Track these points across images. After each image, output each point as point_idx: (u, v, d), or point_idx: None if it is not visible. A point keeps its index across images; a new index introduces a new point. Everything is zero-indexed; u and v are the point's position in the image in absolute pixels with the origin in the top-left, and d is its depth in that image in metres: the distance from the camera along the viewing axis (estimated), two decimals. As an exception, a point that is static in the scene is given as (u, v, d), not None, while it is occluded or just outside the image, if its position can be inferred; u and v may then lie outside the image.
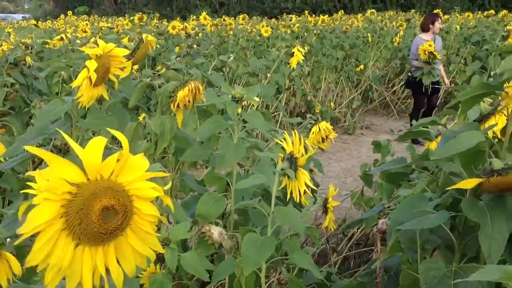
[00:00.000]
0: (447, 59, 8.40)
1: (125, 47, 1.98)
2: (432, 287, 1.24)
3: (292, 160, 1.43)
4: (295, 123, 3.09)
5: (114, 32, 6.61)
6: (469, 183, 1.19)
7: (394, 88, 8.91)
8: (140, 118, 3.15)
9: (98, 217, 0.74)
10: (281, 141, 1.45)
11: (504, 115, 1.77)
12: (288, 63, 5.95)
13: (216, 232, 1.57)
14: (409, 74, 7.09)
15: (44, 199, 0.71)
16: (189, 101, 1.61)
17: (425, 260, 1.31)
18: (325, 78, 8.07)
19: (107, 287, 0.78)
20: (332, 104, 7.70)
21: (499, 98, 1.56)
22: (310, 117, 3.24)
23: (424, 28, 7.03)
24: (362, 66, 8.56)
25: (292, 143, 1.44)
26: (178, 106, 1.61)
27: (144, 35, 2.16)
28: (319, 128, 3.13)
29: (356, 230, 3.38)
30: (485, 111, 1.83)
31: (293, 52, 3.80)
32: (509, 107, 1.51)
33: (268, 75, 6.36)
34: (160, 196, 0.81)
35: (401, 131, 6.75)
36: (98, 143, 0.74)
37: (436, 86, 6.67)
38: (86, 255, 0.77)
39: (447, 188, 1.27)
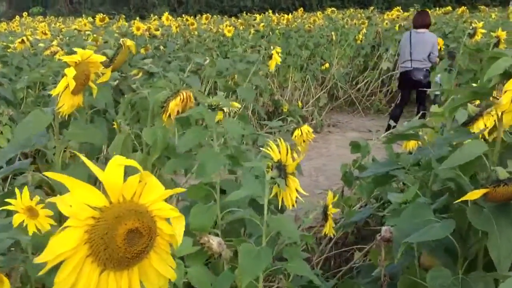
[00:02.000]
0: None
1: (104, 53, 1.92)
2: (441, 296, 1.24)
3: (281, 167, 1.41)
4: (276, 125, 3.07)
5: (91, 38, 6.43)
6: (475, 194, 1.19)
7: (358, 86, 9.02)
8: (115, 125, 3.07)
9: (123, 241, 0.70)
10: (268, 150, 1.43)
11: (492, 116, 1.80)
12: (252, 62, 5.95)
13: (215, 242, 1.54)
14: (426, 70, 6.91)
15: (67, 225, 0.67)
16: (179, 110, 1.57)
17: (432, 269, 1.32)
18: (291, 77, 8.09)
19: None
20: (300, 103, 7.73)
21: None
22: (291, 120, 3.24)
23: (429, 24, 7.05)
24: (327, 65, 8.62)
25: (279, 151, 1.43)
26: (169, 115, 1.57)
27: (121, 40, 2.09)
28: (301, 132, 3.13)
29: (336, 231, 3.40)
30: (473, 112, 1.86)
31: (272, 55, 3.78)
32: (498, 112, 1.52)
33: (236, 76, 6.34)
34: (175, 217, 0.78)
35: (379, 131, 6.88)
36: (119, 163, 0.70)
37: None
38: (111, 281, 0.73)
39: (456, 201, 1.27)
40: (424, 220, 1.32)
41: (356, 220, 2.24)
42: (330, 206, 2.07)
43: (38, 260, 0.66)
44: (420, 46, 6.83)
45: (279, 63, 3.91)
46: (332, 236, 2.19)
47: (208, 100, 1.64)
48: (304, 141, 2.95)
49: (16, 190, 1.31)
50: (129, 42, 2.15)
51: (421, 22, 6.97)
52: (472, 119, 1.74)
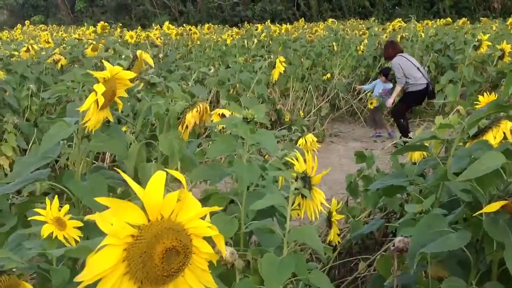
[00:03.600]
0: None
1: (119, 64, 1.94)
2: (456, 306, 1.25)
3: (306, 179, 1.42)
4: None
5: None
6: (493, 207, 1.20)
7: (360, 96, 9.04)
8: (124, 128, 3.09)
9: (161, 260, 0.71)
10: (293, 160, 1.44)
11: (501, 128, 1.82)
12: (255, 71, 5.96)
13: (228, 252, 1.54)
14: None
15: (107, 244, 0.68)
16: (195, 122, 1.58)
17: (446, 279, 1.33)
18: (292, 87, 8.12)
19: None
20: (301, 112, 7.75)
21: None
22: (296, 129, 3.26)
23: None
24: (328, 75, 8.66)
25: (305, 161, 1.44)
26: (186, 127, 1.59)
27: (138, 52, 2.11)
28: (305, 140, 3.15)
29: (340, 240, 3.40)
30: (482, 125, 1.88)
31: (275, 64, 3.80)
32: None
33: (237, 85, 6.37)
34: (214, 236, 0.79)
35: (384, 141, 6.92)
36: (159, 181, 0.71)
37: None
38: (147, 299, 0.74)
39: (476, 214, 1.28)
40: (439, 231, 1.34)
41: (366, 232, 2.25)
42: (335, 213, 2.07)
43: (79, 278, 0.67)
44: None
45: (282, 72, 3.94)
46: (336, 243, 2.19)
47: (243, 112, 1.65)
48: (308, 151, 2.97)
49: (47, 200, 1.32)
50: (144, 55, 2.17)
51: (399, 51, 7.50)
52: (481, 131, 1.76)
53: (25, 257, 1.28)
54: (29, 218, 1.40)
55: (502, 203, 1.20)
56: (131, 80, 1.98)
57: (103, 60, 1.57)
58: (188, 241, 0.74)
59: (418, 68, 7.09)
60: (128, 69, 1.99)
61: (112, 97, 1.56)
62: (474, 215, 1.27)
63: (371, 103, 7.80)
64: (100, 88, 1.46)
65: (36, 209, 1.38)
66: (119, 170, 0.76)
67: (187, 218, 0.75)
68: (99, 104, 1.48)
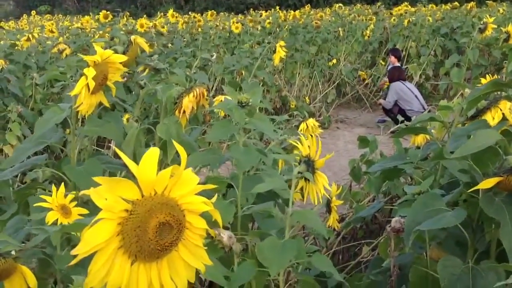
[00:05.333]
0: (417, 51, 8.56)
1: (114, 50, 1.95)
2: (451, 284, 1.27)
3: (309, 163, 1.44)
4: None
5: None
6: (488, 183, 1.21)
7: (366, 82, 9.01)
8: (125, 118, 3.10)
9: (155, 234, 0.73)
10: (297, 143, 1.45)
11: (500, 109, 1.82)
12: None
13: (225, 236, 1.56)
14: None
15: (102, 218, 0.70)
16: (193, 107, 1.60)
17: (442, 258, 1.34)
18: (298, 73, 8.10)
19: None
20: (307, 98, 7.74)
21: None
22: (297, 115, 3.26)
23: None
24: (334, 61, 8.63)
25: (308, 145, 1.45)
26: (183, 112, 1.60)
27: (132, 37, 2.12)
28: (307, 125, 3.15)
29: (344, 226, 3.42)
30: (481, 106, 1.88)
31: (275, 48, 3.80)
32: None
33: (243, 72, 6.36)
34: (209, 210, 0.81)
35: (387, 126, 6.97)
36: (152, 157, 0.73)
37: None
38: (142, 272, 0.76)
39: (470, 190, 1.29)
40: (435, 209, 1.35)
41: (365, 215, 2.26)
42: (334, 198, 2.08)
43: (74, 252, 0.69)
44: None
45: (283, 57, 3.93)
46: (336, 228, 2.21)
47: (238, 96, 1.66)
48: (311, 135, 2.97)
49: (53, 187, 1.34)
50: (139, 39, 2.17)
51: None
52: (479, 112, 1.76)
53: (31, 243, 1.30)
54: (34, 205, 1.42)
55: (497, 179, 1.21)
56: (126, 64, 2.00)
57: (93, 44, 1.58)
58: (181, 216, 0.76)
59: (416, 96, 7.20)
60: (123, 54, 2.00)
61: (104, 81, 1.58)
62: (469, 191, 1.28)
63: (387, 85, 7.78)
64: (90, 72, 1.47)
65: (42, 196, 1.41)
66: (116, 148, 0.78)
67: (180, 194, 0.77)
68: (90, 88, 1.49)
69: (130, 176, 0.74)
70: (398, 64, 7.81)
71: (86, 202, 1.44)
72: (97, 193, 0.70)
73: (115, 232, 0.72)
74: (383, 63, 8.97)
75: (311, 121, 3.12)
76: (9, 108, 4.16)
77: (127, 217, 0.72)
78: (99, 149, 3.57)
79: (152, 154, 0.73)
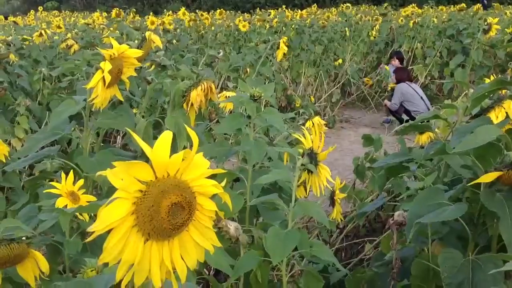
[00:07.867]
0: (423, 53, 8.58)
1: (128, 45, 1.99)
2: (452, 276, 1.30)
3: (312, 155, 1.47)
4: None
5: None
6: (489, 177, 1.24)
7: (371, 83, 9.02)
8: (135, 111, 3.15)
9: (167, 214, 0.77)
10: (300, 137, 1.49)
11: (504, 109, 1.85)
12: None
13: (232, 227, 1.60)
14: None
15: (117, 197, 0.74)
16: (201, 100, 1.63)
17: (442, 251, 1.37)
18: (304, 73, 8.13)
19: (174, 279, 0.82)
20: (312, 98, 7.77)
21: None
22: (303, 112, 3.30)
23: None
24: (340, 61, 8.65)
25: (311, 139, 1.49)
26: (191, 105, 1.64)
27: (147, 33, 2.16)
28: (313, 123, 3.18)
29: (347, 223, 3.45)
30: (485, 105, 1.90)
31: (278, 44, 3.83)
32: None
33: (248, 70, 6.38)
34: (219, 193, 0.84)
35: (392, 125, 6.99)
36: (166, 140, 0.77)
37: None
38: (154, 251, 0.79)
39: (471, 183, 1.32)
40: (436, 203, 1.38)
41: (368, 210, 2.29)
42: (337, 192, 2.11)
43: (91, 228, 0.73)
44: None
45: (286, 53, 3.95)
46: (339, 221, 2.23)
47: (250, 90, 1.70)
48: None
49: (62, 174, 1.38)
50: (153, 36, 2.22)
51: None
52: (483, 111, 1.79)
53: (39, 229, 1.34)
54: (44, 191, 1.46)
55: (498, 173, 1.24)
56: (139, 60, 2.04)
57: (110, 39, 1.62)
58: (192, 198, 0.80)
59: (421, 98, 7.19)
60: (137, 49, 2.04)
61: (119, 76, 1.61)
62: (470, 184, 1.31)
63: (390, 87, 7.80)
64: (106, 65, 1.51)
65: (52, 183, 1.45)
66: (128, 129, 0.81)
67: (191, 177, 0.80)
68: (106, 81, 1.53)
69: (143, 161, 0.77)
70: (401, 66, 7.86)
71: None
72: (113, 173, 0.74)
73: (130, 211, 0.76)
74: (387, 68, 8.99)
75: (317, 119, 3.15)
76: (18, 102, 4.20)
77: (141, 197, 0.76)
78: (102, 144, 3.61)
79: (166, 137, 0.77)
